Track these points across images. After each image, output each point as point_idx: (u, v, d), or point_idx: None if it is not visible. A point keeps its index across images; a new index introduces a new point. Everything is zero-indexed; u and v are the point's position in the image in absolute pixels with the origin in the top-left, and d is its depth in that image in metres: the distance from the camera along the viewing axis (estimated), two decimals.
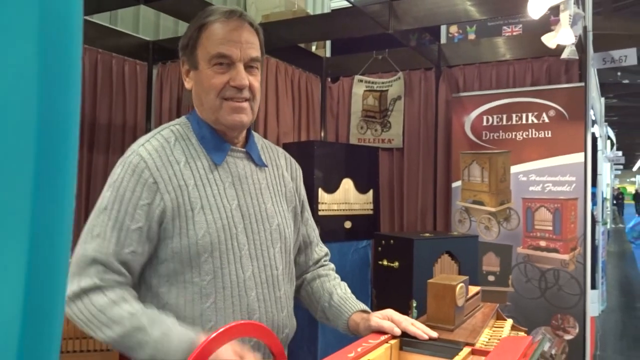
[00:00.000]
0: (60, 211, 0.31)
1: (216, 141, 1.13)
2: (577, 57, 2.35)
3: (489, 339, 1.12)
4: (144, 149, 1.08)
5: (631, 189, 31.60)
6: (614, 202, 17.97)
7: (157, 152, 1.08)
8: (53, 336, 0.32)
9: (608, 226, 12.37)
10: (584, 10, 3.00)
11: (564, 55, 2.26)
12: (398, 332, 1.04)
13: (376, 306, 2.79)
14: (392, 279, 2.63)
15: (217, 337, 0.77)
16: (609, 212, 12.23)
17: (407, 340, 1.03)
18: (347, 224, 3.22)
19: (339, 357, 0.85)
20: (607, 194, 11.25)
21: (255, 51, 1.12)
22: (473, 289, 1.26)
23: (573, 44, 2.23)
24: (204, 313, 1.06)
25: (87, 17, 3.00)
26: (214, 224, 1.07)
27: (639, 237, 14.13)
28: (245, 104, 1.12)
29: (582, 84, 3.00)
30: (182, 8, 2.82)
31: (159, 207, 1.04)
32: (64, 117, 0.32)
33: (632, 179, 36.39)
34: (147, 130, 3.44)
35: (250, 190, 1.16)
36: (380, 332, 1.05)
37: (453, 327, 1.07)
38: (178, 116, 3.42)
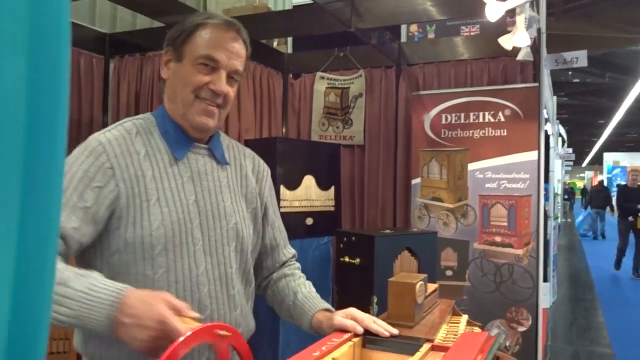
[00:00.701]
0: (50, 211, 0.31)
1: (179, 136, 1.14)
2: (532, 59, 2.43)
3: (446, 335, 1.16)
4: (104, 136, 1.09)
5: (581, 184, 32.89)
6: (565, 197, 18.77)
7: (117, 140, 1.08)
8: (41, 335, 0.32)
9: (559, 220, 12.86)
10: (538, 12, 3.10)
11: (520, 57, 2.34)
12: (360, 330, 1.06)
13: (337, 302, 2.81)
14: (354, 275, 2.66)
15: (186, 340, 0.76)
16: (560, 207, 12.70)
17: (369, 338, 1.05)
18: (309, 221, 3.23)
19: (304, 356, 0.86)
20: (559, 189, 11.68)
21: (240, 65, 1.15)
22: (431, 287, 1.29)
23: (528, 46, 2.30)
24: None
25: None
26: (169, 216, 1.07)
27: (589, 229, 14.62)
28: (216, 110, 1.13)
29: (536, 84, 3.10)
30: (139, 0, 2.76)
31: (112, 193, 1.04)
32: (55, 117, 0.33)
33: (582, 175, 37.89)
34: (105, 125, 3.35)
35: (209, 186, 1.16)
36: (343, 330, 1.07)
37: (413, 324, 1.10)
38: (136, 111, 3.37)
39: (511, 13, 2.31)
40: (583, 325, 5.44)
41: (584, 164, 36.80)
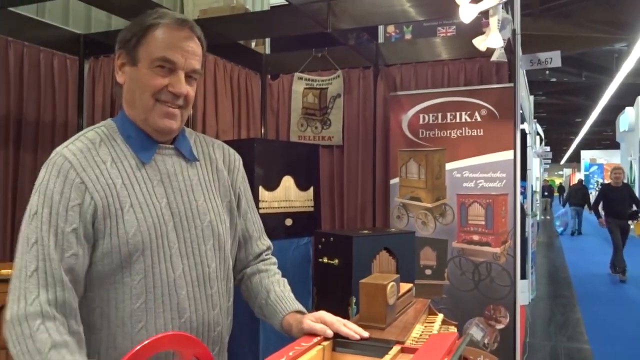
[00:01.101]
0: None
1: (142, 140, 1.12)
2: (505, 60, 2.46)
3: (421, 335, 1.16)
4: (68, 150, 1.06)
5: (559, 182, 33.39)
6: (545, 194, 19.31)
7: (82, 152, 1.06)
8: None
9: (538, 218, 13.04)
10: (512, 13, 3.13)
11: (494, 58, 2.36)
12: (330, 333, 1.06)
13: (316, 303, 2.81)
14: (332, 276, 2.66)
15: (143, 348, 0.76)
16: (538, 205, 12.87)
17: (339, 341, 1.05)
18: (288, 221, 3.22)
19: None
20: (537, 187, 11.84)
21: (198, 63, 1.13)
22: (405, 286, 1.29)
23: (502, 47, 2.32)
24: (134, 314, 1.04)
25: (12, 9, 2.85)
26: (144, 222, 1.06)
27: (563, 225, 14.93)
28: (177, 111, 1.11)
29: (512, 84, 3.13)
30: (113, 0, 2.73)
31: (90, 207, 1.02)
32: None
33: (560, 172, 38.48)
34: (79, 127, 3.30)
35: (180, 187, 1.14)
36: (313, 334, 1.07)
37: (385, 326, 1.10)
38: (112, 112, 3.33)
39: (486, 14, 2.34)
40: (561, 321, 5.52)
41: (562, 161, 37.36)
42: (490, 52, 2.66)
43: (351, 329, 1.06)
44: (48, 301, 0.94)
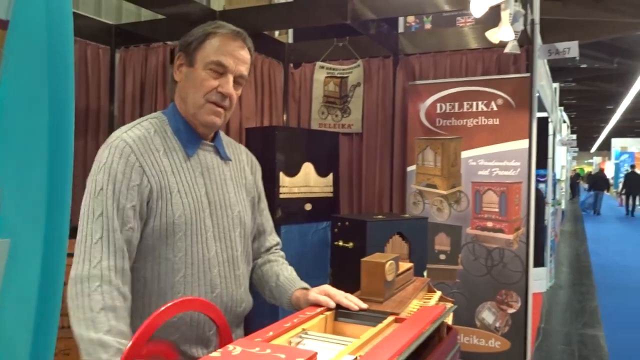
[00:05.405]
0: (66, 207, 0.41)
1: (189, 135, 1.28)
2: (519, 52, 2.53)
3: (418, 309, 1.29)
4: (127, 135, 1.21)
5: (589, 170, 32.72)
6: (577, 181, 21.56)
7: (140, 139, 1.21)
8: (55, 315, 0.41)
9: (563, 207, 12.91)
10: (531, 1, 3.17)
11: (507, 50, 2.43)
12: (332, 304, 1.20)
13: (331, 284, 2.94)
14: (347, 258, 2.79)
15: (164, 311, 0.90)
16: (563, 193, 12.72)
17: (341, 312, 1.18)
18: (308, 206, 3.35)
19: (276, 327, 0.99)
20: (563, 175, 11.70)
21: (246, 70, 1.31)
22: (405, 265, 1.41)
23: (515, 39, 2.39)
24: (175, 285, 1.20)
25: None
26: (188, 206, 1.22)
27: (589, 207, 18.16)
28: (222, 110, 1.28)
29: (528, 74, 3.18)
30: None
31: (147, 188, 1.18)
32: (68, 116, 0.42)
33: (590, 160, 37.65)
34: (111, 114, 3.48)
35: (216, 180, 1.31)
36: (317, 305, 1.20)
37: (382, 300, 1.23)
38: (141, 100, 3.50)
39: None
40: (577, 309, 5.56)
41: (593, 149, 36.55)
42: (506, 43, 2.72)
43: (352, 300, 1.19)
44: (109, 267, 1.10)
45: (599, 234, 12.35)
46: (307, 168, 3.35)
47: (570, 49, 3.23)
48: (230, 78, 1.26)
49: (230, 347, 0.82)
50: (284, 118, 3.98)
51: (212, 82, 1.25)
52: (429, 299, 1.40)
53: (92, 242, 1.10)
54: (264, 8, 3.41)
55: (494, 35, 2.30)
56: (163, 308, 0.92)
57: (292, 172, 3.25)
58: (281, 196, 3.19)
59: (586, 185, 23.40)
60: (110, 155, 1.18)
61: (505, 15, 2.17)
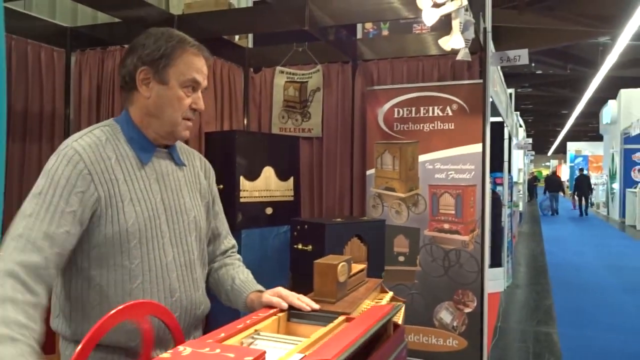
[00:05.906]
0: None
1: (143, 143, 1.29)
2: (469, 59, 2.61)
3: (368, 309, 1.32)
4: (78, 144, 1.21)
5: (546, 173, 33.78)
6: (534, 183, 22.62)
7: (91, 147, 1.21)
8: None
9: (520, 208, 13.31)
10: (484, 11, 3.28)
11: (459, 57, 2.52)
12: (285, 305, 1.22)
13: (290, 288, 2.97)
14: (307, 261, 2.81)
15: (114, 314, 0.91)
16: (521, 196, 13.12)
17: (293, 313, 1.21)
18: (269, 210, 3.37)
19: (228, 328, 1.00)
20: (520, 178, 12.07)
21: (206, 82, 1.34)
22: (357, 267, 1.45)
23: (466, 47, 2.48)
24: (132, 292, 1.21)
25: None
26: (141, 214, 1.23)
27: (547, 208, 19.15)
28: (192, 123, 1.33)
29: (481, 80, 3.29)
30: None
31: (93, 196, 1.18)
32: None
33: (547, 163, 38.87)
34: (66, 118, 3.42)
35: (171, 186, 1.33)
36: (271, 306, 1.23)
37: (335, 300, 1.26)
38: (98, 104, 3.45)
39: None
40: (533, 307, 5.75)
41: (549, 152, 37.77)
42: (458, 50, 2.81)
43: (303, 301, 1.22)
44: (21, 263, 1.06)
45: (554, 234, 12.79)
46: (268, 172, 3.37)
47: (521, 56, 3.36)
48: (200, 93, 1.31)
49: (180, 347, 0.84)
50: (245, 122, 3.99)
51: (188, 100, 1.28)
52: (381, 299, 1.44)
53: (10, 238, 1.09)
54: (223, 13, 3.41)
55: (446, 43, 2.38)
56: (113, 312, 0.93)
57: (253, 176, 3.26)
58: (242, 200, 3.19)
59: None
60: (57, 162, 1.18)
61: (456, 24, 2.25)
